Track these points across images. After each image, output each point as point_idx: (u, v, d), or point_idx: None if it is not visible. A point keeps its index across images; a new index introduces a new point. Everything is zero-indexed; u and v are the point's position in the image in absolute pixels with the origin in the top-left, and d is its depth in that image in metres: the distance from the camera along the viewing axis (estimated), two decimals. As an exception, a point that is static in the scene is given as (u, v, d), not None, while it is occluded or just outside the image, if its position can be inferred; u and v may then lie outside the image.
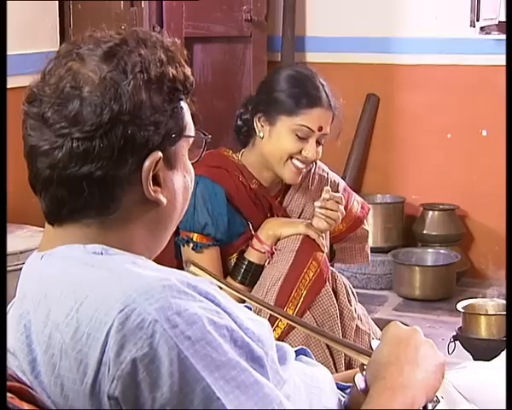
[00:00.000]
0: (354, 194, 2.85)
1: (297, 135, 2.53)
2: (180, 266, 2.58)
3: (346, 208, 2.70)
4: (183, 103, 1.31)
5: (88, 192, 1.24)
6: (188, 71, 1.33)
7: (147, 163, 1.25)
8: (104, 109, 1.22)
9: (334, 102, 2.57)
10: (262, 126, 2.57)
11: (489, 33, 4.54)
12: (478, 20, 4.48)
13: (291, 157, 2.55)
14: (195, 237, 2.54)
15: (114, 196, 1.25)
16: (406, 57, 4.74)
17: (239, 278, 2.57)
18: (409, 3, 4.72)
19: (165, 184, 1.30)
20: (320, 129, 2.54)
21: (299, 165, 2.56)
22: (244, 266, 2.57)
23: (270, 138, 2.57)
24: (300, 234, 2.55)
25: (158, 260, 1.33)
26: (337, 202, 2.54)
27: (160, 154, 1.26)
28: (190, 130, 1.34)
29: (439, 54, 4.66)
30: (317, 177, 2.71)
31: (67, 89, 1.23)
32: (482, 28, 4.53)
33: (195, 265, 1.62)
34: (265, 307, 1.67)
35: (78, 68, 1.25)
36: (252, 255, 2.58)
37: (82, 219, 1.27)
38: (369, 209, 2.89)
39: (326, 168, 2.78)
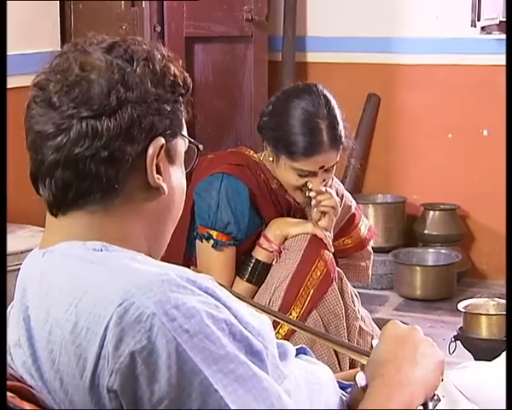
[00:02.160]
0: (363, 216, 2.89)
1: (298, 174, 2.54)
2: (189, 262, 2.59)
3: (355, 227, 2.80)
4: (182, 103, 1.34)
5: (94, 173, 1.25)
6: (186, 74, 1.36)
7: (151, 148, 1.28)
8: (111, 91, 1.25)
9: (341, 138, 2.54)
10: (270, 154, 2.58)
11: (490, 33, 4.54)
12: (479, 20, 4.48)
13: (298, 188, 2.57)
14: (215, 234, 2.53)
15: (119, 179, 1.27)
16: (407, 57, 4.73)
17: (246, 276, 2.58)
18: (409, 3, 4.72)
19: (166, 177, 1.31)
20: (322, 167, 2.54)
21: (307, 194, 2.57)
22: (251, 265, 2.58)
23: (276, 167, 2.58)
24: (308, 233, 2.57)
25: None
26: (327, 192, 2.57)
27: (162, 140, 1.29)
28: (186, 133, 1.37)
29: (439, 54, 4.66)
30: (334, 189, 2.72)
31: (75, 73, 1.26)
32: (483, 28, 4.52)
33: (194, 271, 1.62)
34: (266, 311, 1.66)
35: (84, 57, 1.28)
36: (259, 254, 2.59)
37: (86, 206, 1.28)
38: (374, 233, 2.94)
39: (341, 185, 2.81)
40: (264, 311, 1.63)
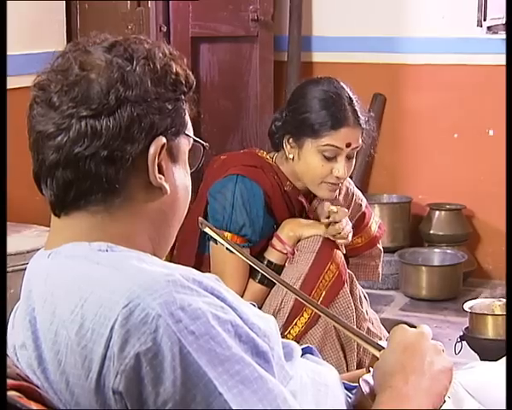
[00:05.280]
0: (373, 213, 2.88)
1: (324, 156, 2.50)
2: (202, 261, 2.58)
3: (366, 226, 2.79)
4: (184, 101, 1.33)
5: (94, 172, 1.25)
6: (189, 72, 1.35)
7: (152, 147, 1.27)
8: (111, 90, 1.25)
9: (363, 118, 2.53)
10: (291, 148, 2.55)
11: (496, 33, 4.53)
12: (485, 20, 4.47)
13: (323, 179, 2.54)
14: (229, 236, 2.50)
15: (120, 179, 1.26)
16: (413, 57, 4.73)
17: (258, 278, 2.56)
18: (416, 3, 4.71)
19: (168, 176, 1.31)
20: (348, 145, 2.51)
21: (333, 185, 2.55)
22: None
23: (299, 160, 2.55)
24: (320, 235, 2.56)
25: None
26: (339, 222, 2.55)
27: (164, 140, 1.28)
28: (190, 131, 1.36)
29: (445, 53, 4.65)
30: (344, 188, 2.72)
31: (75, 72, 1.26)
32: (489, 28, 4.52)
33: (209, 227, 1.58)
34: (293, 291, 1.65)
35: (85, 57, 1.28)
36: (272, 255, 2.57)
37: (88, 207, 1.28)
38: (384, 230, 2.93)
39: (352, 183, 2.80)
40: (288, 289, 1.62)
